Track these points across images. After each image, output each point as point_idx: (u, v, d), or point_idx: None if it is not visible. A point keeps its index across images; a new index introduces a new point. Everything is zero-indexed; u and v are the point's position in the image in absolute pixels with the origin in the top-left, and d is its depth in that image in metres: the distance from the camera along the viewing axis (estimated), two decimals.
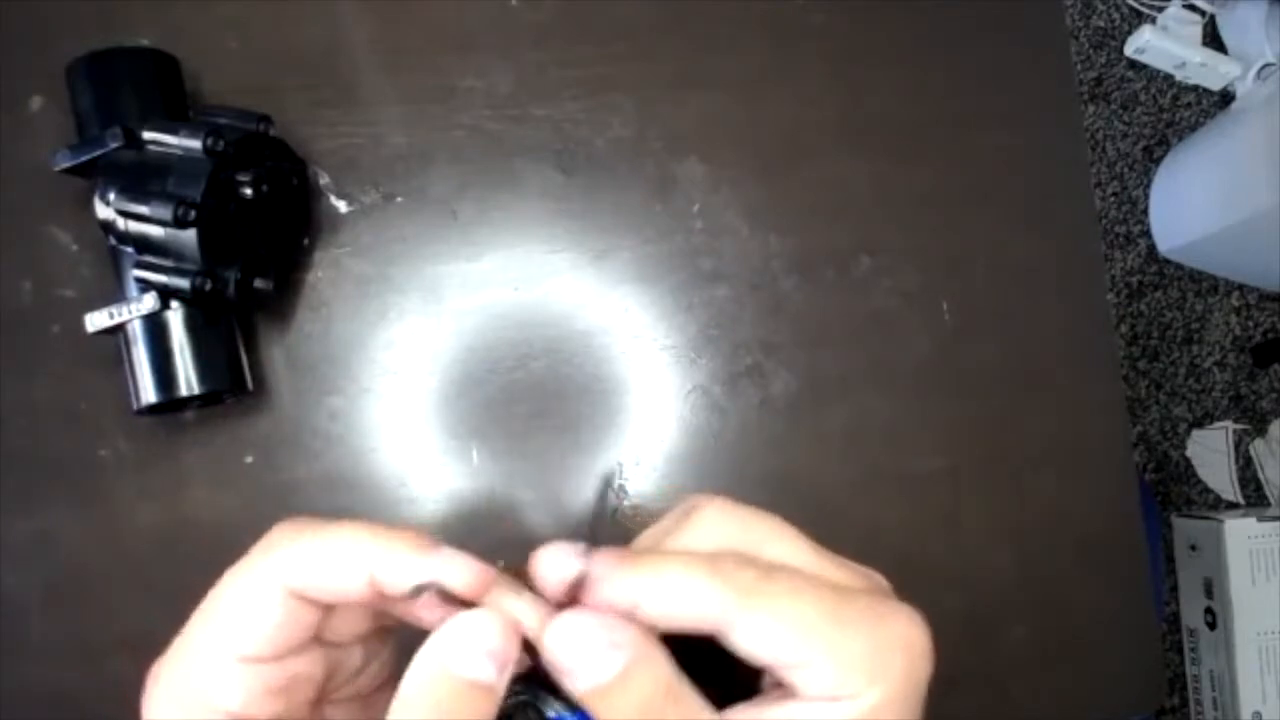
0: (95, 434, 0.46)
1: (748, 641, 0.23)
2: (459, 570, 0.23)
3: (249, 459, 0.47)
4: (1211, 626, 1.38)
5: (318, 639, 0.25)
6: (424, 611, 0.23)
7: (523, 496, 0.48)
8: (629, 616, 0.23)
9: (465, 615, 0.23)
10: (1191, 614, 1.42)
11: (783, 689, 0.23)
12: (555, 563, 0.23)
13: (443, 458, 0.48)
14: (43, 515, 0.46)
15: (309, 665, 0.25)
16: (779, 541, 0.25)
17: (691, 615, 0.23)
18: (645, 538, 0.27)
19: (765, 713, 0.23)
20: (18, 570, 0.45)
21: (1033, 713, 0.52)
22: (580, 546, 0.23)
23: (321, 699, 0.26)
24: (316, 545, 0.23)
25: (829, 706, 0.22)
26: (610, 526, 0.47)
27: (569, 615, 0.23)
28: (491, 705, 0.22)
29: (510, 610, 0.23)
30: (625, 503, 0.49)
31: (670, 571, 0.23)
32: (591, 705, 0.22)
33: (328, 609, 0.25)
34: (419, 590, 0.22)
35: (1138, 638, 0.53)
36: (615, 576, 0.23)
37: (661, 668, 0.23)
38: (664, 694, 0.22)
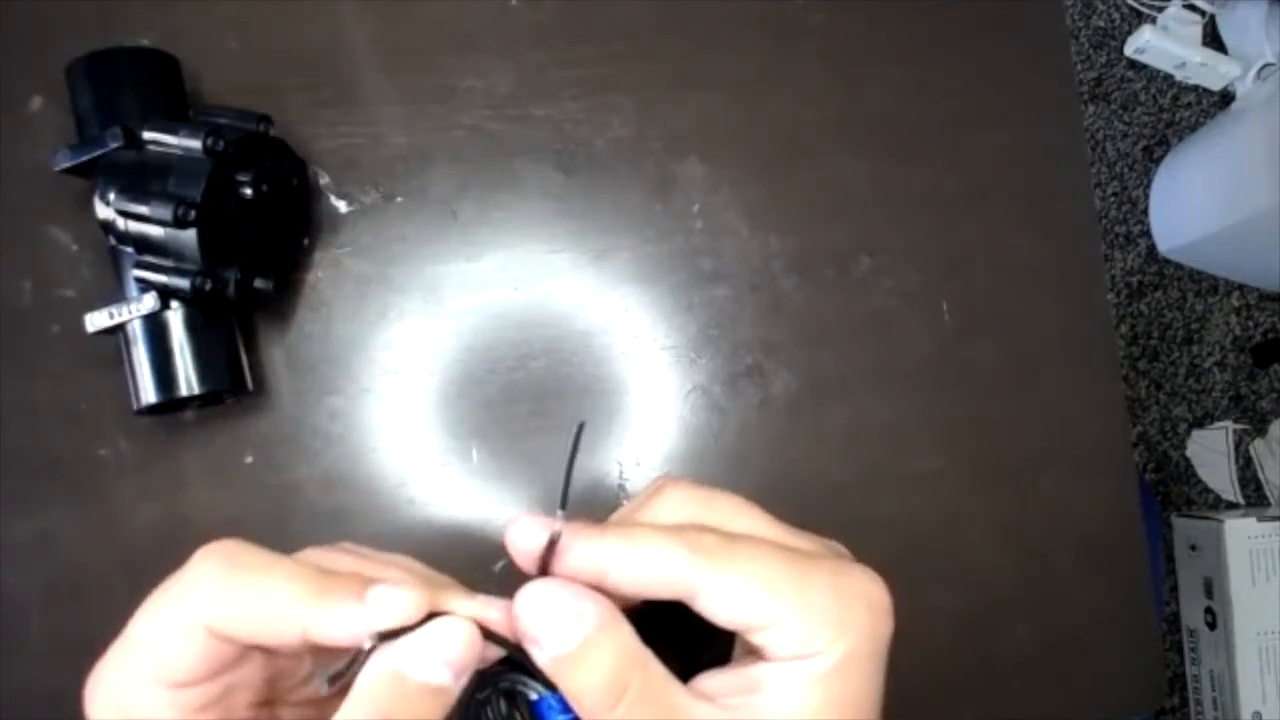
0: (95, 434, 0.46)
1: (715, 605, 0.23)
2: (397, 609, 0.23)
3: (249, 459, 0.47)
4: (1211, 626, 1.38)
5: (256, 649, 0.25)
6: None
7: (523, 496, 0.48)
8: (598, 586, 0.23)
9: (435, 625, 0.22)
10: (1191, 614, 1.42)
11: (752, 655, 0.24)
12: (526, 532, 0.23)
13: (443, 458, 0.48)
14: (43, 515, 0.46)
15: (246, 675, 0.25)
16: (741, 516, 0.25)
17: (659, 580, 0.23)
18: (614, 517, 0.27)
19: (735, 677, 0.24)
20: (18, 570, 0.45)
21: (1033, 713, 0.52)
22: (549, 519, 0.23)
23: (272, 700, 0.26)
24: (245, 593, 0.23)
25: (798, 665, 0.23)
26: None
27: (536, 583, 0.23)
28: (444, 706, 0.23)
29: (470, 611, 0.23)
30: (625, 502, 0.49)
31: (637, 538, 0.23)
32: (559, 676, 0.23)
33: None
34: (361, 655, 0.22)
35: (1138, 638, 0.53)
36: (581, 543, 0.23)
37: (627, 637, 0.23)
38: (630, 663, 0.23)
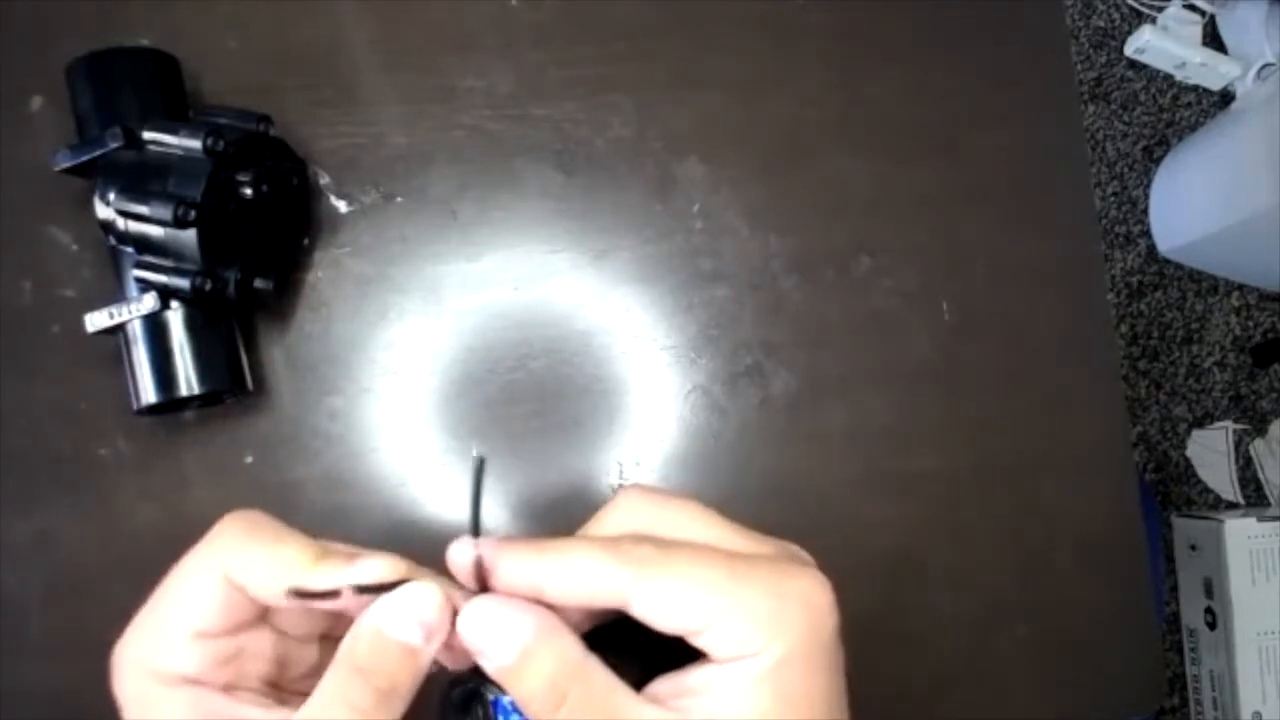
0: (95, 434, 0.46)
1: (648, 610, 0.24)
2: (376, 568, 0.25)
3: (249, 459, 0.47)
4: (1211, 626, 1.38)
5: (267, 622, 0.28)
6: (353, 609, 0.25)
7: (522, 496, 0.48)
8: (538, 599, 0.24)
9: (409, 586, 0.25)
10: (1191, 614, 1.42)
11: (702, 659, 0.25)
12: (458, 551, 0.25)
13: (443, 458, 0.48)
14: (43, 515, 0.46)
15: (258, 642, 0.27)
16: (692, 521, 0.26)
17: (591, 591, 0.24)
18: (578, 533, 0.28)
19: (683, 679, 0.25)
20: (18, 570, 0.45)
21: (1033, 713, 0.52)
22: (480, 539, 0.25)
23: (280, 687, 0.28)
24: (259, 551, 0.26)
25: (739, 665, 0.24)
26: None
27: (477, 599, 0.25)
28: (416, 670, 0.25)
29: (447, 590, 0.25)
30: None
31: (567, 551, 0.24)
32: (505, 683, 0.24)
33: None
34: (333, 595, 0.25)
35: (1138, 638, 0.53)
36: (506, 560, 0.25)
37: (566, 646, 0.24)
38: (570, 671, 0.24)
